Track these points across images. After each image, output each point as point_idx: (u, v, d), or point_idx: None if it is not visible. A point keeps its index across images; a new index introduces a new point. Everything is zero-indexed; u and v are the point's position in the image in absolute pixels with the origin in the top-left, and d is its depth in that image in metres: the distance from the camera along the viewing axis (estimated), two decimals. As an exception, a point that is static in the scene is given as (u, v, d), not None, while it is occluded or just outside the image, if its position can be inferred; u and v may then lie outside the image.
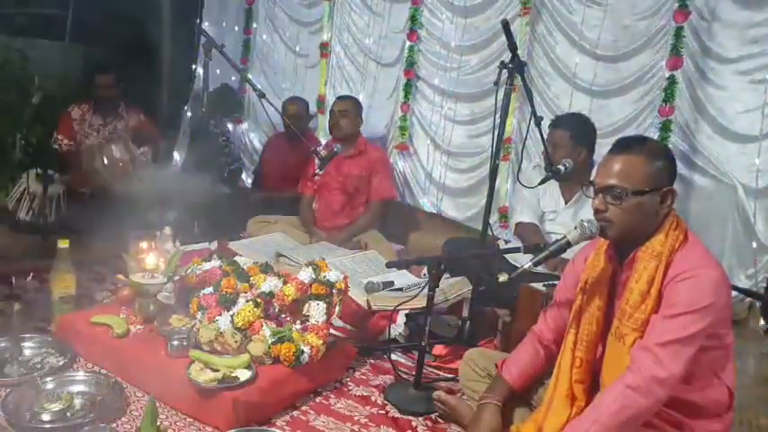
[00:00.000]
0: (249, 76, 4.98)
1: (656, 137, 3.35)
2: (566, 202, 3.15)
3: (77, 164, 4.04)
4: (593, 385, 1.83)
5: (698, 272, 1.63)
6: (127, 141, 3.95)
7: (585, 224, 1.85)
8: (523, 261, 1.98)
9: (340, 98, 3.99)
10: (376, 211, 3.86)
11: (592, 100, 3.66)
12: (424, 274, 3.11)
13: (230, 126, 5.20)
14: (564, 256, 2.06)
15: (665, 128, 3.39)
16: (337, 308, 2.52)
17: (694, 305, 1.60)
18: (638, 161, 1.70)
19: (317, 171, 3.64)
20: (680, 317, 1.61)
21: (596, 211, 1.75)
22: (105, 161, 3.86)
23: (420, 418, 2.30)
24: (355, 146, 3.84)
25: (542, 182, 2.98)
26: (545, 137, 3.02)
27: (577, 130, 3.06)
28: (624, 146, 1.76)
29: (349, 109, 3.81)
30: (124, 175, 3.89)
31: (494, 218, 3.94)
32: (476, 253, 2.77)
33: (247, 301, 2.44)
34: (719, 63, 3.30)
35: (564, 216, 3.14)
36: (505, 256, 2.85)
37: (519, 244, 3.02)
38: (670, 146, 3.28)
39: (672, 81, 3.36)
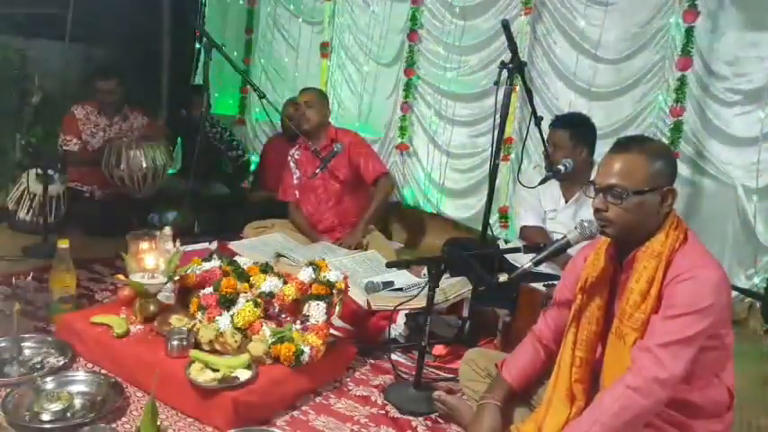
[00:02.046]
0: (250, 76, 4.99)
1: (665, 139, 3.35)
2: (566, 202, 3.16)
3: (85, 163, 4.04)
4: (592, 385, 1.83)
5: (698, 272, 1.63)
6: (145, 147, 3.95)
7: (585, 224, 1.85)
8: (524, 261, 1.98)
9: (304, 89, 3.82)
10: (381, 189, 3.68)
11: (591, 100, 3.66)
12: (424, 274, 3.11)
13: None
14: (571, 254, 2.07)
15: (677, 128, 3.37)
16: (337, 308, 2.52)
17: (694, 306, 1.60)
18: (638, 160, 1.70)
19: (317, 171, 3.62)
20: (680, 317, 1.61)
21: (597, 211, 1.75)
22: (123, 166, 3.86)
23: (420, 418, 2.30)
24: (325, 137, 3.69)
25: (542, 182, 2.99)
26: (545, 137, 3.03)
27: (578, 129, 3.06)
28: (625, 145, 1.75)
29: (313, 99, 3.67)
30: (142, 180, 3.89)
31: (494, 218, 3.94)
32: (476, 253, 2.77)
33: (247, 301, 2.44)
34: (719, 63, 3.30)
35: (564, 215, 3.14)
36: (506, 255, 2.84)
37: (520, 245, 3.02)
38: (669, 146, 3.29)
39: (682, 82, 3.34)
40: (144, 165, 3.89)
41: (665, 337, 1.60)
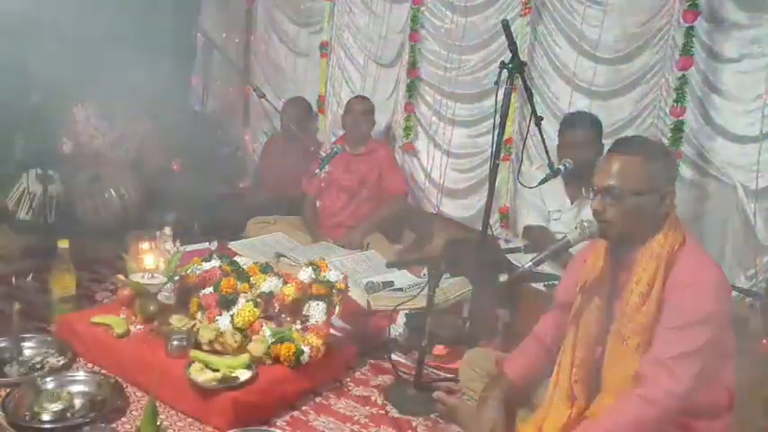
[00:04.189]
0: (249, 76, 4.99)
1: (666, 140, 3.34)
2: (571, 202, 3.16)
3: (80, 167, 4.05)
4: (593, 385, 1.82)
5: (699, 277, 1.63)
6: (121, 179, 3.95)
7: (585, 224, 1.84)
8: (525, 261, 1.98)
9: (360, 98, 3.99)
10: (397, 204, 3.89)
11: (592, 100, 3.65)
12: (424, 274, 3.11)
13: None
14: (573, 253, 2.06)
15: (677, 129, 3.36)
16: (337, 308, 2.52)
17: (700, 313, 1.60)
18: (636, 161, 1.69)
19: (317, 171, 3.65)
20: (689, 327, 1.60)
21: (595, 212, 1.75)
22: (101, 208, 3.86)
23: (420, 418, 2.30)
24: (366, 145, 3.87)
25: (542, 182, 2.99)
26: (563, 136, 3.07)
27: (597, 127, 3.08)
28: (623, 146, 1.75)
29: (369, 110, 3.87)
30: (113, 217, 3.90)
31: (494, 218, 3.94)
32: (476, 253, 2.77)
33: (247, 301, 2.44)
34: (719, 63, 3.29)
35: (569, 216, 3.13)
36: (507, 256, 2.85)
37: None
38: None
39: (683, 81, 3.34)
40: (118, 204, 3.90)
41: (676, 348, 1.59)
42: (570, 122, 3.12)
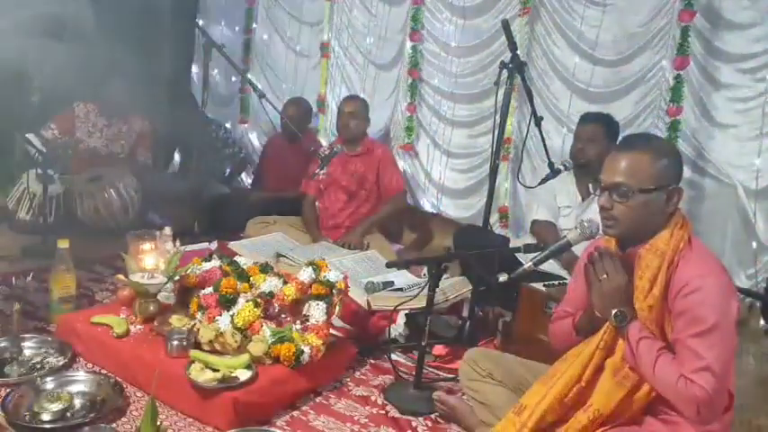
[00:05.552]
0: (249, 76, 4.99)
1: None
2: (582, 199, 3.16)
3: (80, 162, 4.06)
4: (598, 374, 1.80)
5: (707, 280, 1.62)
6: (122, 179, 3.96)
7: (586, 224, 1.84)
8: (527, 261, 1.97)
9: (349, 99, 3.95)
10: (396, 202, 3.87)
11: (591, 100, 3.66)
12: (424, 274, 3.12)
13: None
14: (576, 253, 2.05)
15: (674, 128, 3.37)
16: (337, 308, 2.52)
17: (717, 316, 1.59)
18: (644, 159, 1.69)
19: (318, 171, 3.65)
20: (711, 332, 1.58)
21: (602, 209, 1.74)
22: (101, 208, 3.86)
23: (420, 418, 2.30)
24: (362, 145, 3.84)
25: (542, 182, 3.00)
26: (576, 133, 3.10)
27: (610, 125, 3.11)
28: (630, 144, 1.75)
29: (358, 110, 3.80)
30: (114, 217, 3.90)
31: (494, 218, 3.94)
32: (478, 252, 2.76)
33: (247, 301, 2.43)
34: (719, 62, 3.30)
35: (578, 212, 3.13)
36: (516, 255, 2.84)
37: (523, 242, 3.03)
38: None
39: (679, 81, 3.35)
40: (119, 204, 3.89)
41: (704, 359, 1.58)
42: (589, 118, 3.15)
